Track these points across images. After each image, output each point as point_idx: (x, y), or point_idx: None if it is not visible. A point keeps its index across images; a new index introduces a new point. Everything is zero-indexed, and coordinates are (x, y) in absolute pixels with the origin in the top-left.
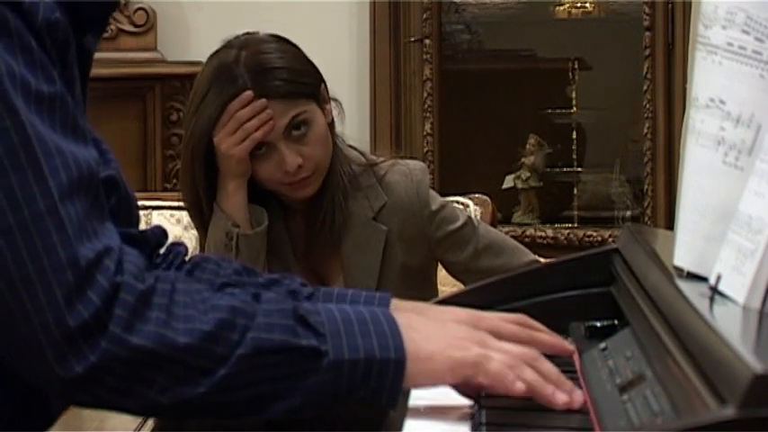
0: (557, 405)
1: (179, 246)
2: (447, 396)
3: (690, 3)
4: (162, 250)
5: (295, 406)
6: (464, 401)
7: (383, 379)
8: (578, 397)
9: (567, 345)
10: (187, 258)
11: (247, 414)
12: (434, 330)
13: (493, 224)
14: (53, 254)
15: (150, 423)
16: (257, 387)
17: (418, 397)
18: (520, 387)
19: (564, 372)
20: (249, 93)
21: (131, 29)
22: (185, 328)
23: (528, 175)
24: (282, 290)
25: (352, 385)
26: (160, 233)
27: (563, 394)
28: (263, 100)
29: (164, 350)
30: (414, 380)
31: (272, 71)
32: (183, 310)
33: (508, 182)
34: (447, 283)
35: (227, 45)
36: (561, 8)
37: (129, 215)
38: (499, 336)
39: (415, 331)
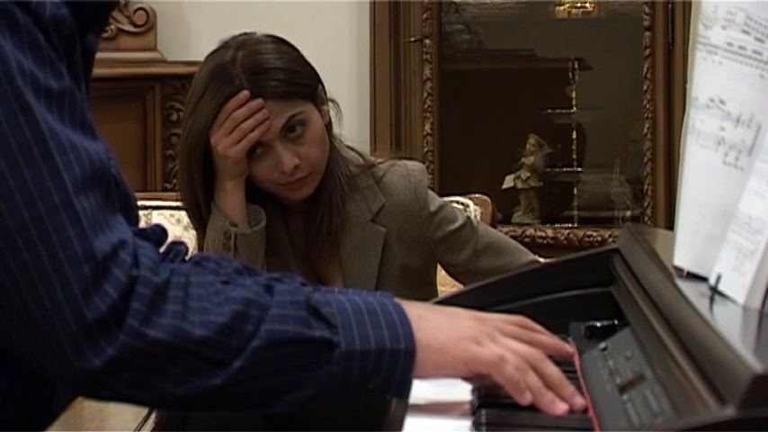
0: (555, 413)
1: (179, 244)
2: (447, 393)
3: (690, 3)
4: (162, 249)
5: (307, 397)
6: (465, 399)
7: (393, 369)
8: (579, 402)
9: (567, 348)
10: (187, 258)
11: (260, 406)
12: (444, 321)
13: (493, 224)
14: (69, 248)
15: (150, 423)
16: (270, 378)
17: (419, 395)
18: (528, 398)
19: (564, 372)
20: (245, 93)
21: (131, 29)
22: (201, 320)
23: (528, 175)
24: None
25: (363, 375)
26: (160, 232)
27: (562, 403)
28: (260, 100)
29: (181, 343)
30: (425, 369)
31: (269, 71)
32: (199, 303)
33: (508, 182)
34: (447, 284)
35: (224, 45)
36: (561, 8)
37: (128, 214)
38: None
39: (425, 321)
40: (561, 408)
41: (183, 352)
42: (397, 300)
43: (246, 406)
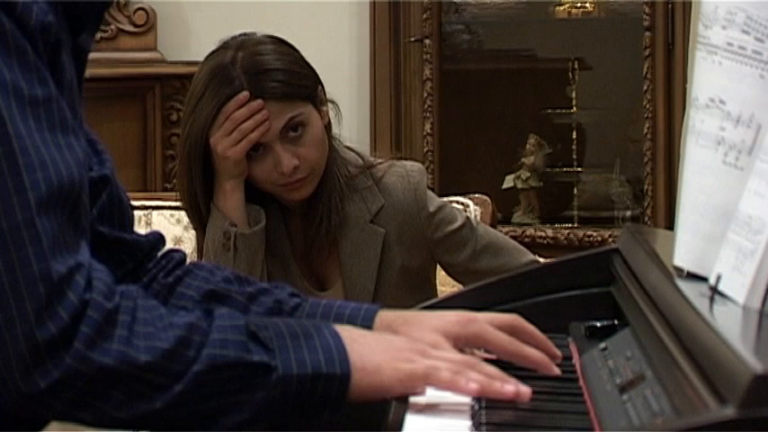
0: (507, 395)
1: (176, 252)
2: (447, 394)
3: (690, 3)
4: (159, 254)
5: (244, 420)
6: (465, 399)
7: (328, 393)
8: (525, 391)
9: (553, 366)
10: (185, 264)
11: (198, 428)
12: (376, 343)
13: (493, 224)
14: (28, 267)
15: None
16: (209, 402)
17: (419, 395)
18: (473, 387)
19: (564, 372)
20: (245, 93)
21: (131, 29)
22: (146, 345)
23: (528, 175)
24: (270, 300)
25: (299, 399)
26: (156, 239)
27: (511, 384)
28: (260, 101)
29: (125, 368)
30: (360, 392)
31: (269, 72)
32: (144, 328)
33: (508, 182)
34: (447, 284)
35: (224, 46)
36: (561, 8)
37: (121, 216)
38: (485, 341)
39: (358, 344)
40: (510, 389)
41: (126, 377)
42: (333, 324)
43: (185, 428)
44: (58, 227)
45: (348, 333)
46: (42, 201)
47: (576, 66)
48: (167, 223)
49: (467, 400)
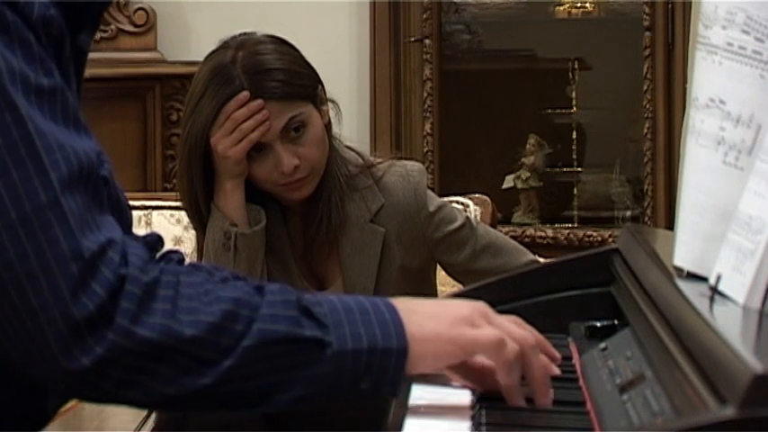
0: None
1: (174, 253)
2: (447, 394)
3: (690, 3)
4: (157, 256)
5: (298, 397)
6: (465, 399)
7: (385, 369)
8: (544, 403)
9: (553, 367)
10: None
11: (250, 406)
12: (436, 310)
13: (493, 224)
14: (56, 247)
15: (150, 423)
16: (261, 379)
17: (419, 396)
18: (509, 381)
19: (564, 372)
20: (246, 93)
21: (131, 29)
22: (191, 320)
23: (528, 175)
24: None
25: (355, 375)
26: (154, 241)
27: (522, 399)
28: (260, 101)
29: (170, 342)
30: (422, 362)
31: (269, 72)
32: (188, 302)
33: (508, 182)
34: (447, 284)
35: (224, 45)
36: (561, 8)
37: (119, 217)
38: None
39: (416, 314)
40: (521, 403)
41: (172, 351)
42: (389, 298)
43: (237, 406)
44: (84, 205)
45: (405, 304)
46: (65, 180)
47: (576, 66)
48: (167, 223)
49: (466, 400)
